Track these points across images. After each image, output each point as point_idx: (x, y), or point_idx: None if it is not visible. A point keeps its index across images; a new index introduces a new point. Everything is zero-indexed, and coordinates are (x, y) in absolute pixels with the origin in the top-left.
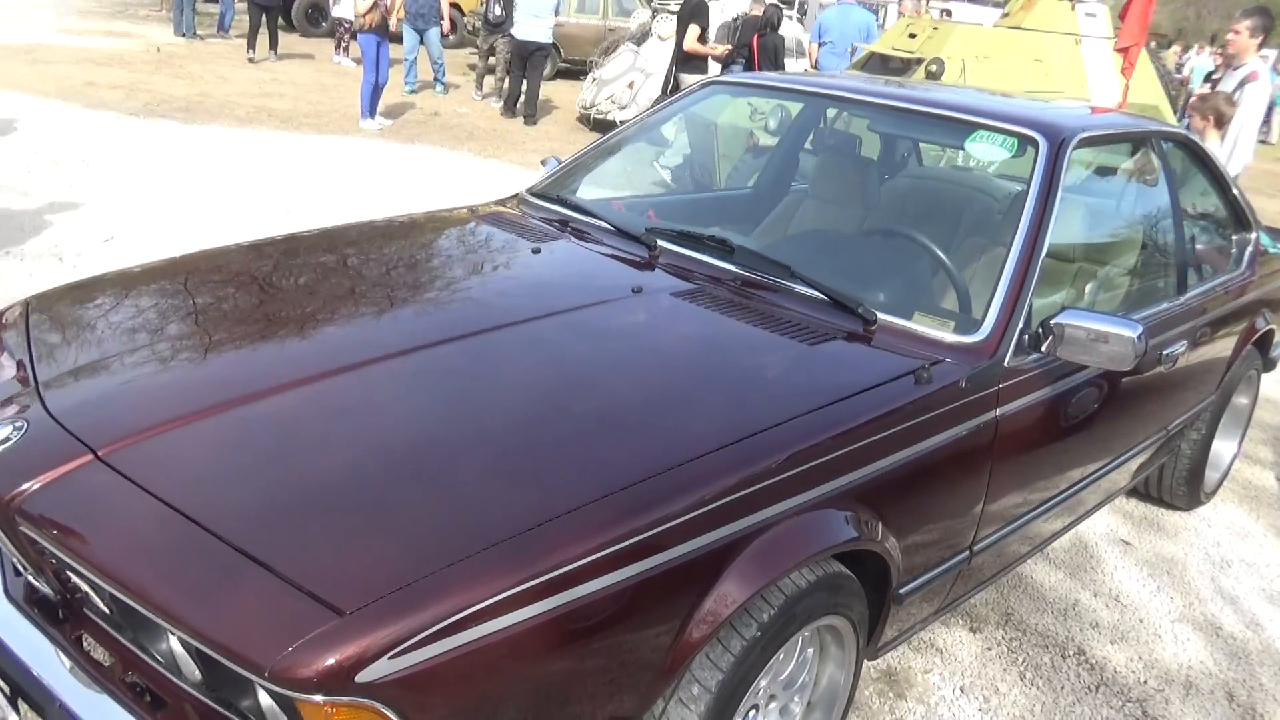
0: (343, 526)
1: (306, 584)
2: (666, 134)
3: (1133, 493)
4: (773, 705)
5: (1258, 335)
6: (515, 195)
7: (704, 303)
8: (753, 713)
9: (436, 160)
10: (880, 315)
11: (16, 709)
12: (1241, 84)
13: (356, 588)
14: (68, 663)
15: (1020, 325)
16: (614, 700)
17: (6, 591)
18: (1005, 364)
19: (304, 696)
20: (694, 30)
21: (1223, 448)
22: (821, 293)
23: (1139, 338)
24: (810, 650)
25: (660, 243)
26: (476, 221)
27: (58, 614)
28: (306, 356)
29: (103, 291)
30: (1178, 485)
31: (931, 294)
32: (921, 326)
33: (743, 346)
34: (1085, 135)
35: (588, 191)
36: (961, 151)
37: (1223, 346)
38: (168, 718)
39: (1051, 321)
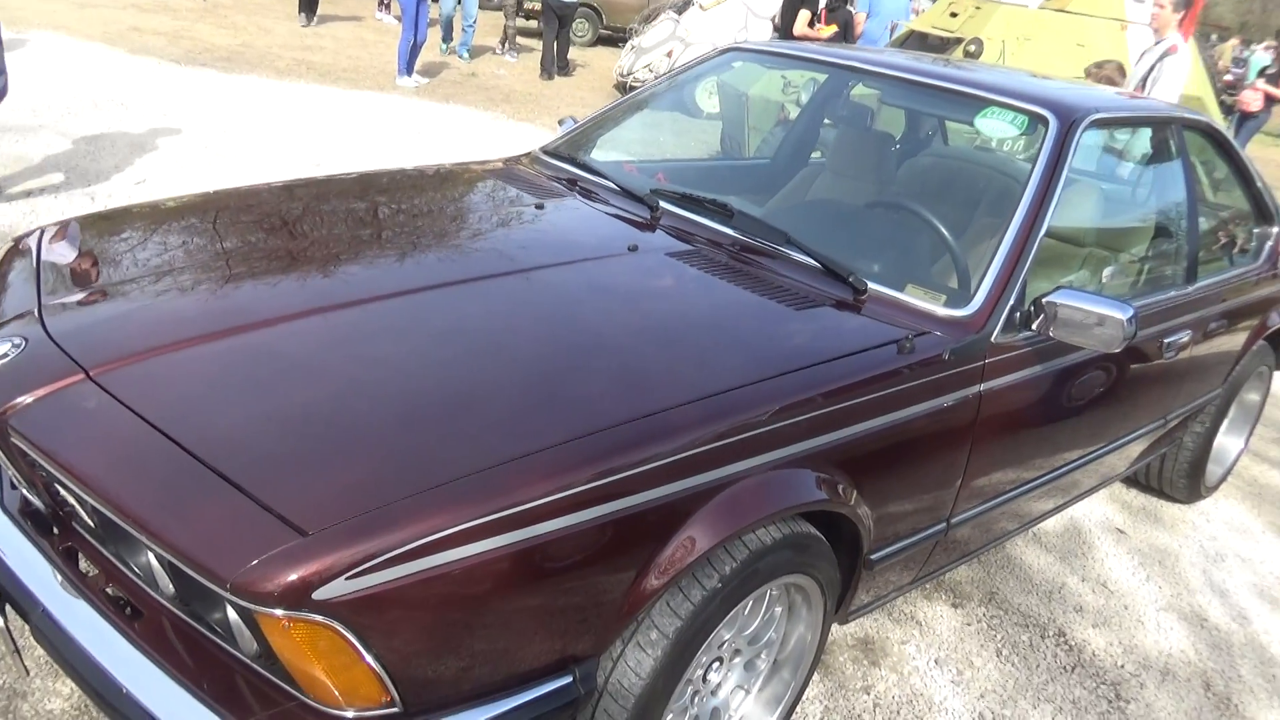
0: (316, 452)
1: (274, 504)
2: (701, 104)
3: (1133, 482)
4: (737, 659)
5: (1270, 331)
6: (529, 153)
7: (698, 264)
8: (716, 665)
9: (469, 120)
10: (872, 285)
11: (3, 612)
12: (1161, 58)
13: (321, 510)
14: (54, 573)
15: (1011, 302)
16: (571, 638)
17: (2, 504)
18: (993, 339)
19: (264, 610)
20: (804, 16)
21: (1229, 442)
22: (815, 260)
23: (1129, 321)
24: (779, 609)
25: (663, 204)
26: (485, 175)
27: (48, 527)
28: (298, 293)
29: (119, 222)
30: (1178, 477)
31: (930, 268)
32: (912, 298)
33: (730, 307)
34: (1098, 116)
35: (602, 153)
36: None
37: (1232, 340)
38: (143, 627)
39: (1044, 300)
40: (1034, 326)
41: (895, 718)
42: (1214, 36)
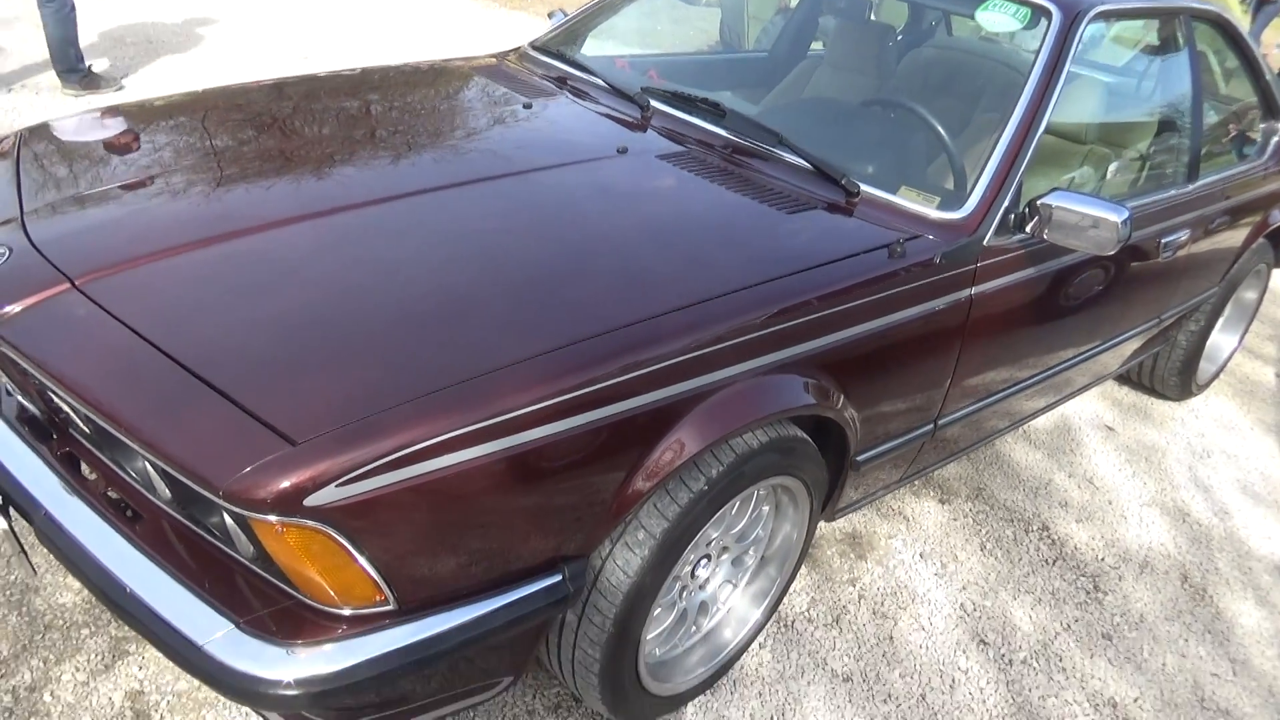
0: (305, 360)
1: (263, 413)
2: None
3: (1124, 380)
4: (725, 556)
5: (1271, 229)
6: (518, 48)
7: (688, 166)
8: (704, 561)
9: (460, 7)
10: (865, 187)
11: (8, 515)
12: None
13: (310, 419)
14: (54, 477)
15: (1006, 204)
16: (561, 538)
17: (0, 410)
18: (985, 242)
19: (258, 516)
20: None
21: (1222, 340)
22: (807, 161)
23: (1124, 223)
24: (766, 507)
25: (653, 103)
26: (473, 73)
27: (46, 433)
28: (286, 198)
29: (104, 123)
30: (1170, 375)
31: (926, 168)
32: (905, 200)
33: (719, 211)
34: (1103, 9)
35: (594, 47)
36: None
37: (1231, 238)
38: (144, 529)
39: (1038, 201)
40: (1028, 229)
41: (879, 608)
42: None
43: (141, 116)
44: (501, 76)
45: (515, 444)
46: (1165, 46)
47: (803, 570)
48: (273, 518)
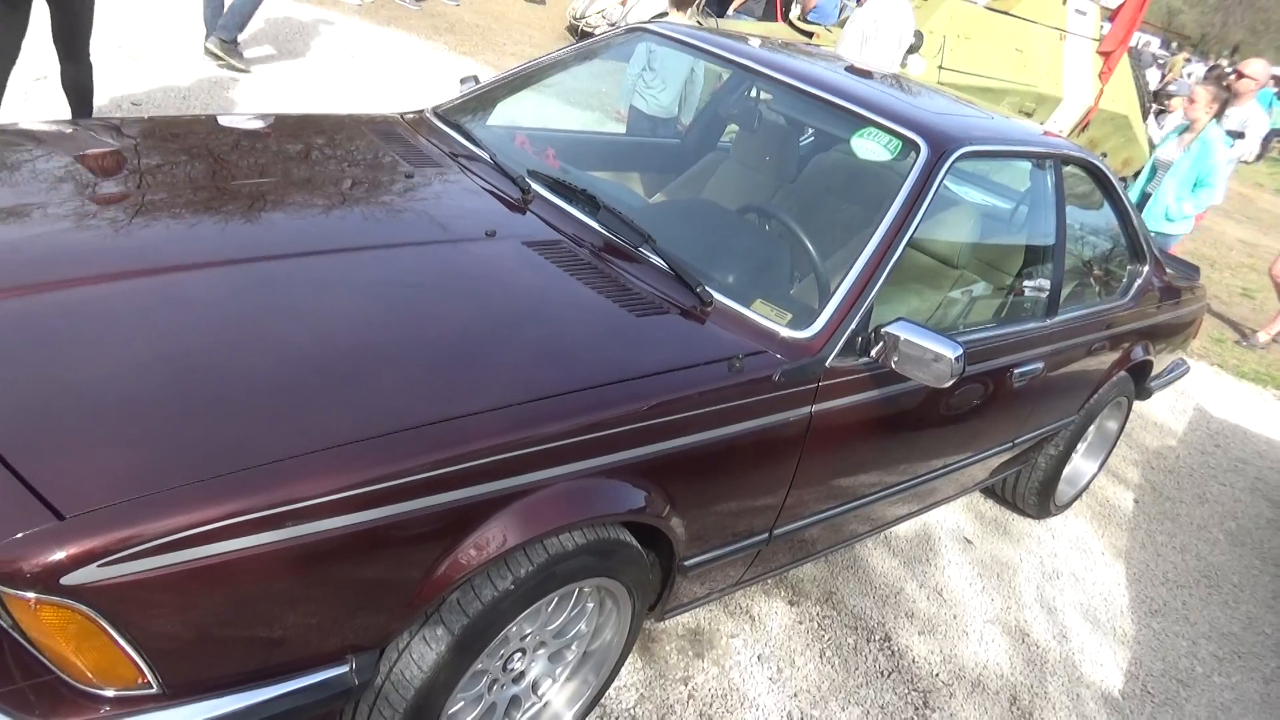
0: (102, 430)
1: (37, 484)
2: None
3: (989, 493)
4: (542, 650)
5: (1132, 364)
6: (421, 110)
7: (553, 257)
8: (518, 655)
9: (408, 48)
10: (719, 298)
11: None
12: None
13: (83, 494)
14: None
15: (852, 327)
16: (350, 630)
17: None
18: (828, 364)
19: (12, 591)
20: None
21: (1083, 465)
22: (668, 266)
23: (957, 359)
24: (591, 604)
25: (535, 187)
26: (366, 133)
27: None
28: (119, 250)
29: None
30: (1029, 494)
31: (788, 283)
32: (755, 314)
33: (571, 308)
34: (971, 149)
35: (502, 118)
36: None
37: (1091, 371)
38: None
39: (883, 329)
40: (873, 353)
41: (706, 710)
42: (1174, 44)
43: (16, 143)
44: (395, 139)
45: (304, 533)
46: (1034, 185)
47: (637, 664)
48: (29, 594)
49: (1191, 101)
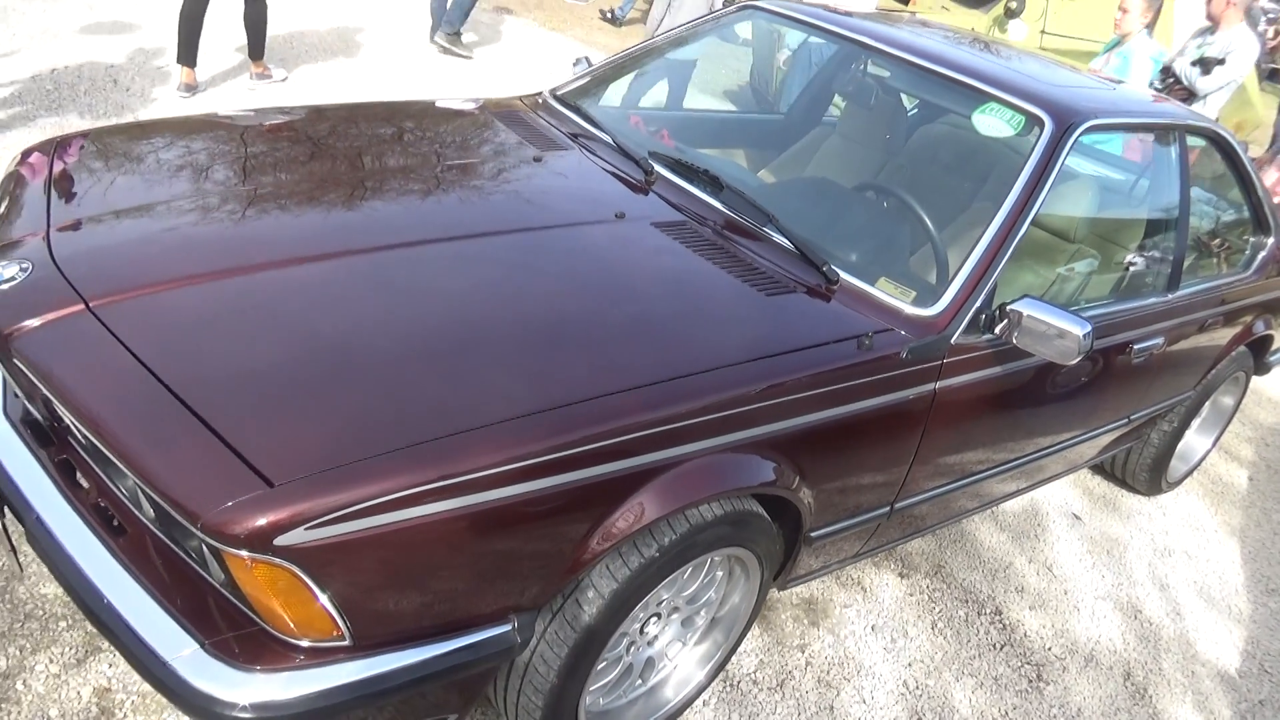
0: (293, 403)
1: (246, 452)
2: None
3: (1098, 469)
4: (675, 615)
5: (1253, 339)
6: (538, 93)
7: (681, 238)
8: (654, 619)
9: (501, 25)
10: (845, 276)
11: (2, 513)
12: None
13: (289, 462)
14: (49, 482)
15: (978, 305)
16: (516, 591)
17: (5, 411)
18: (953, 341)
19: (230, 550)
20: None
21: (1197, 442)
22: (793, 244)
23: (1085, 336)
24: (720, 573)
25: (657, 168)
26: (490, 118)
27: (47, 438)
28: (299, 237)
29: (134, 138)
30: (1141, 470)
31: (908, 260)
32: (881, 292)
33: (701, 287)
34: (1096, 122)
35: (614, 98)
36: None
37: (1210, 346)
38: (126, 542)
39: (1008, 306)
40: (997, 330)
41: (824, 677)
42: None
43: (181, 134)
44: (519, 124)
45: (480, 501)
46: (1159, 157)
47: (756, 631)
48: (244, 553)
49: (1125, 12)
